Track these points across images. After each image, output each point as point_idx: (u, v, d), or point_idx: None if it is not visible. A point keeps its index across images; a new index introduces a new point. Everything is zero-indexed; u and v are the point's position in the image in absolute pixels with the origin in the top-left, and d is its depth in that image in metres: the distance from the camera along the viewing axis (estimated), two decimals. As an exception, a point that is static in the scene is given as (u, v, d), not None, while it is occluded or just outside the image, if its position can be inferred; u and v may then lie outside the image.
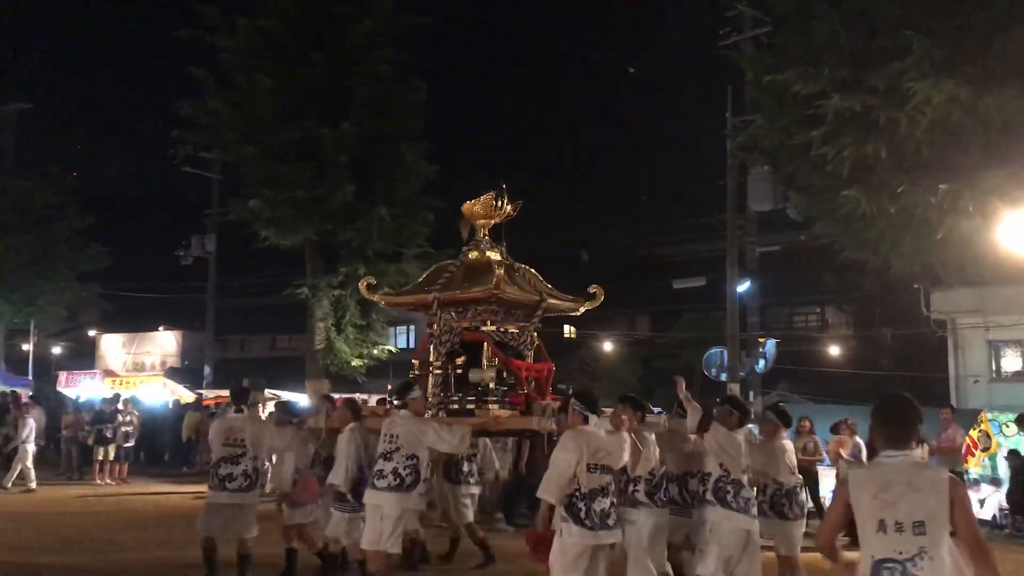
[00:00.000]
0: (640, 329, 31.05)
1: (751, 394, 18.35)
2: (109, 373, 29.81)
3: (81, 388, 26.34)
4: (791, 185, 16.40)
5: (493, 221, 8.67)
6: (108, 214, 32.16)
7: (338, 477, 7.34)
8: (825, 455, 12.68)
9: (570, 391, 8.22)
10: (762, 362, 18.93)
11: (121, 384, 26.15)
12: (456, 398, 8.01)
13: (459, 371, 8.18)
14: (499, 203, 8.59)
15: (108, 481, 16.59)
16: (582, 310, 9.04)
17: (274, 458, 8.81)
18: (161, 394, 24.50)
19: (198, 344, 34.31)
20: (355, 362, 19.78)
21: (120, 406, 17.44)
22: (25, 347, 33.59)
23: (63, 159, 32.24)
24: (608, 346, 28.26)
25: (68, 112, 55.66)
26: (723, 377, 19.02)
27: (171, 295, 34.51)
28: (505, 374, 8.18)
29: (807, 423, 12.98)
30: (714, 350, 19.56)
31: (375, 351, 20.30)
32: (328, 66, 18.06)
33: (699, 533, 6.75)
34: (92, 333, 40.58)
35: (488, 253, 8.48)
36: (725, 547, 6.46)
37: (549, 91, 58.70)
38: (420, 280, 8.85)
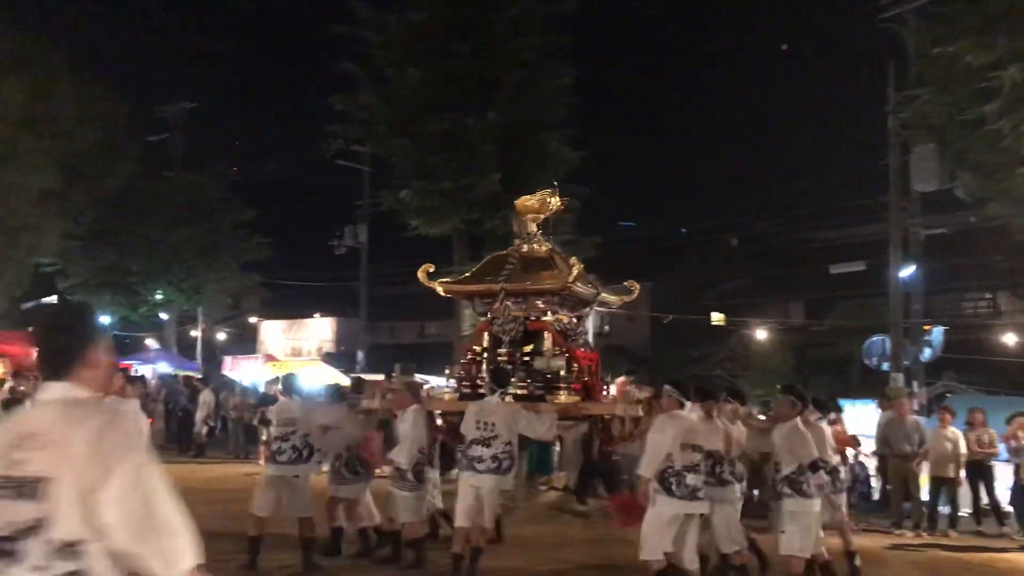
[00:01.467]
0: (794, 316, 29.97)
1: (915, 384, 17.37)
2: (270, 358, 31.28)
3: (244, 372, 27.73)
4: (960, 163, 15.34)
5: (543, 216, 9.14)
6: (268, 207, 33.80)
7: (401, 457, 7.72)
8: (1001, 448, 11.85)
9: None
10: (928, 351, 17.86)
11: (281, 368, 27.37)
12: (523, 385, 8.27)
13: (525, 359, 8.50)
14: (551, 200, 9.10)
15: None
16: (619, 302, 9.93)
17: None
18: (318, 378, 25.52)
19: (351, 330, 35.58)
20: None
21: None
22: (194, 333, 35.77)
23: (226, 155, 34.09)
24: (760, 334, 27.39)
25: (230, 110, 58.78)
26: (884, 366, 18.11)
27: (326, 283, 35.97)
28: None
29: (980, 415, 12.20)
30: (876, 338, 18.61)
31: (521, 338, 20.42)
32: (475, 56, 18.23)
33: (779, 518, 7.07)
34: (253, 320, 42.74)
35: (542, 246, 8.95)
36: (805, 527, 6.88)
37: (697, 71, 57.43)
38: (476, 270, 9.25)
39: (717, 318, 27.39)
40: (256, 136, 65.49)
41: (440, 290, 9.37)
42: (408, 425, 7.82)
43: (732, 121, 55.11)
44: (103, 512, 2.28)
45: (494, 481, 7.30)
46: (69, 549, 2.28)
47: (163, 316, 32.68)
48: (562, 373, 8.42)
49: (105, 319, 33.04)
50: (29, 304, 38.30)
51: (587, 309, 9.27)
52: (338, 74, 19.32)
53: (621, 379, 17.46)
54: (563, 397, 8.31)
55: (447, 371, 10.18)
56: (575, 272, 8.31)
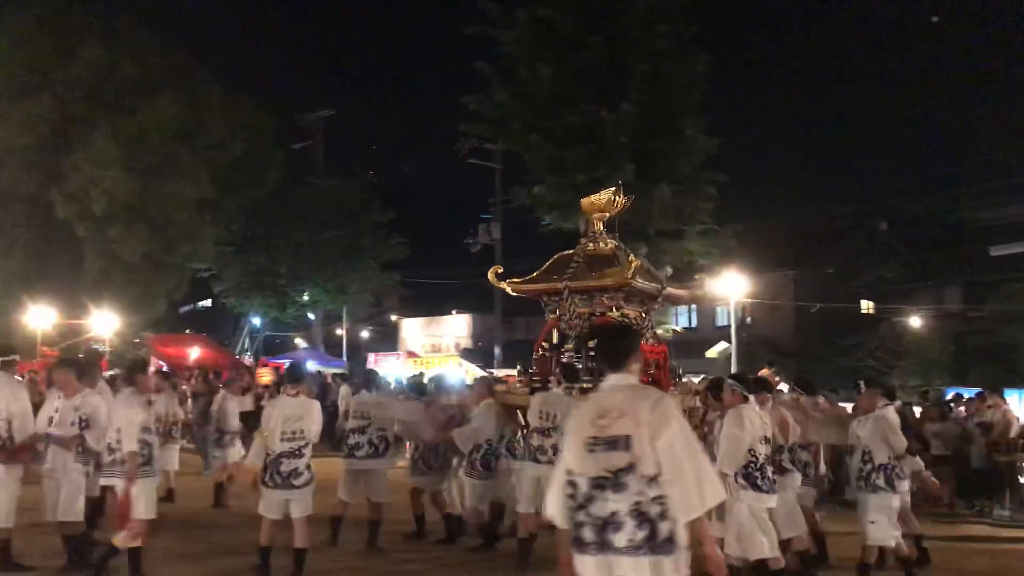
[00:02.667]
0: (950, 302, 28.30)
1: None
2: (410, 354, 31.99)
3: (387, 368, 28.47)
4: None
5: (608, 214, 9.33)
6: (405, 208, 34.60)
7: (466, 445, 8.08)
8: None
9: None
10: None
11: (421, 364, 27.96)
12: (588, 378, 8.39)
13: (591, 353, 8.46)
14: (616, 199, 9.27)
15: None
16: (689, 296, 10.29)
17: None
18: (457, 374, 25.91)
19: (487, 326, 36.03)
20: (639, 342, 19.72)
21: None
22: (339, 332, 37.08)
23: (364, 159, 35.16)
24: (914, 322, 25.98)
25: (367, 116, 60.58)
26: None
27: (462, 280, 36.55)
28: None
29: None
30: (1044, 323, 17.35)
31: (659, 330, 20.10)
32: (606, 47, 18.05)
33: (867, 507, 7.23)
34: (394, 317, 43.92)
35: (607, 243, 9.21)
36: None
37: (842, 48, 55.12)
38: (544, 269, 9.41)
39: (866, 306, 26.23)
40: (392, 139, 67.32)
41: (509, 290, 9.61)
42: (480, 417, 8.16)
43: (878, 100, 52.58)
44: (659, 456, 3.61)
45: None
46: (653, 480, 3.62)
47: (310, 316, 34.02)
48: None
49: (256, 320, 34.77)
50: (186, 308, 40.69)
51: (653, 303, 9.50)
52: (470, 74, 19.56)
53: (764, 371, 17.00)
54: None
55: (519, 366, 10.54)
56: (633, 267, 8.54)
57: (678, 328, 22.35)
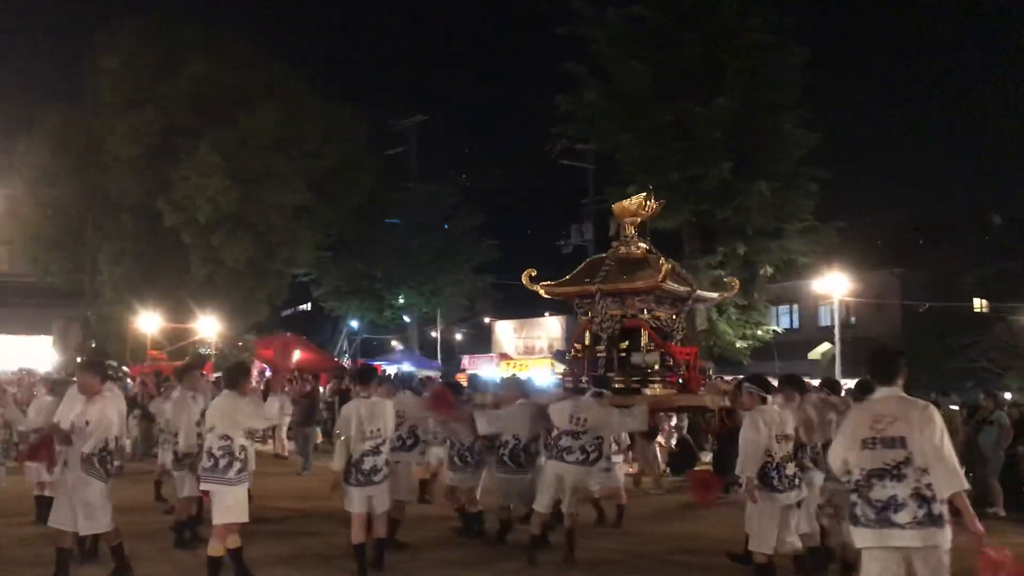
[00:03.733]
0: (1074, 297, 26.69)
1: None
2: (504, 356, 32.09)
3: (481, 370, 28.58)
4: None
5: (640, 218, 9.53)
6: (496, 210, 34.73)
7: (486, 428, 8.20)
8: None
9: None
10: None
11: (514, 366, 27.98)
12: (621, 379, 8.81)
13: (622, 354, 9.04)
14: (647, 204, 9.48)
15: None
16: (718, 298, 10.46)
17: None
18: (550, 376, 25.81)
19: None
20: (738, 343, 19.28)
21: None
22: (433, 334, 37.44)
23: (456, 163, 35.48)
24: (1034, 320, 24.59)
25: (459, 119, 61.17)
26: None
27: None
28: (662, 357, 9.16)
29: None
30: None
31: (759, 332, 19.62)
32: (700, 43, 17.70)
33: None
34: (487, 320, 44.10)
35: (638, 247, 9.34)
36: None
37: (953, 37, 52.88)
38: (576, 272, 9.63)
39: (979, 304, 24.98)
40: (484, 142, 67.72)
41: (542, 292, 9.79)
42: (509, 416, 8.30)
43: (989, 89, 50.20)
44: (926, 450, 4.59)
45: (581, 472, 7.83)
46: (924, 471, 4.58)
47: (406, 319, 34.46)
48: (656, 367, 8.94)
49: (354, 323, 35.43)
50: (287, 311, 41.77)
51: (684, 306, 9.71)
52: (562, 75, 19.45)
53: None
54: (658, 390, 8.88)
55: (552, 365, 10.98)
56: (664, 271, 8.74)
57: (779, 329, 21.71)
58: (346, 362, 30.47)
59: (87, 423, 6.37)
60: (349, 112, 27.48)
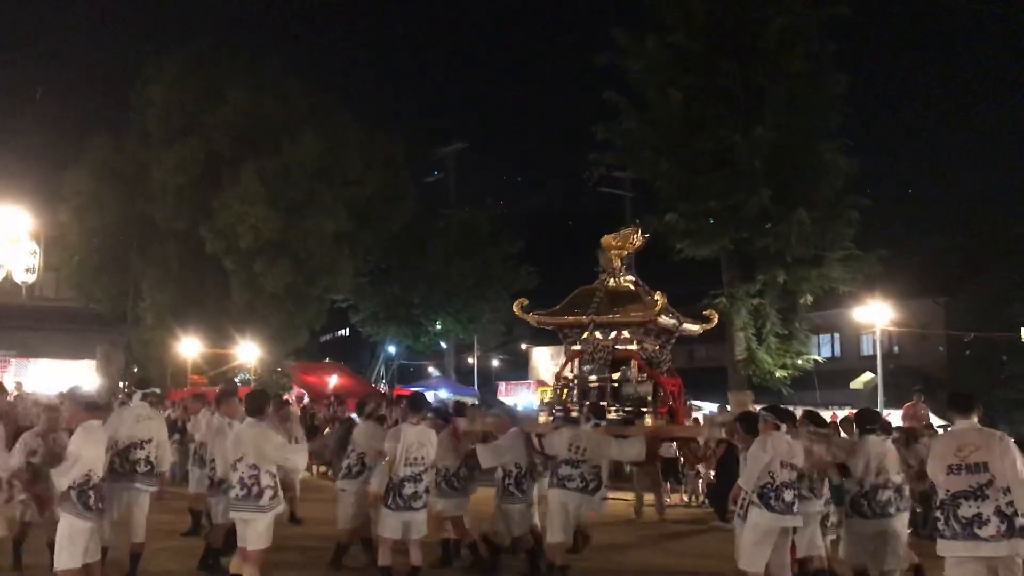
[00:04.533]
0: None
1: None
2: (541, 383, 31.94)
3: (518, 397, 28.51)
4: None
5: (627, 251, 10.00)
6: (534, 237, 34.74)
7: (489, 461, 8.29)
8: None
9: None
10: None
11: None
12: (614, 408, 8.99)
13: (615, 384, 9.26)
14: (634, 238, 10.03)
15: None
16: (699, 330, 10.38)
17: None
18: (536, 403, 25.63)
19: (619, 356, 35.54)
20: (779, 372, 19.04)
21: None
22: (470, 360, 37.46)
23: (494, 190, 35.63)
24: None
25: (497, 147, 61.53)
26: None
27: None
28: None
29: None
30: None
31: (799, 361, 19.35)
32: (739, 71, 17.65)
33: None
34: (524, 346, 44.01)
35: (625, 279, 9.71)
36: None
37: (998, 62, 52.24)
38: (566, 303, 9.91)
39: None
40: (522, 170, 68.01)
41: (533, 322, 10.03)
42: (505, 439, 8.46)
43: (1031, 113, 49.40)
44: (1007, 473, 5.42)
45: (581, 499, 8.05)
46: (1006, 491, 5.45)
47: (443, 345, 34.53)
48: (649, 398, 9.16)
49: (391, 348, 35.58)
50: (326, 337, 42.05)
51: (671, 338, 9.91)
52: (600, 103, 19.50)
53: (909, 403, 16.00)
54: (649, 421, 9.06)
55: (540, 395, 11.21)
56: (660, 305, 9.06)
57: (820, 358, 21.41)
58: (383, 388, 30.58)
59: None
60: (389, 140, 27.76)
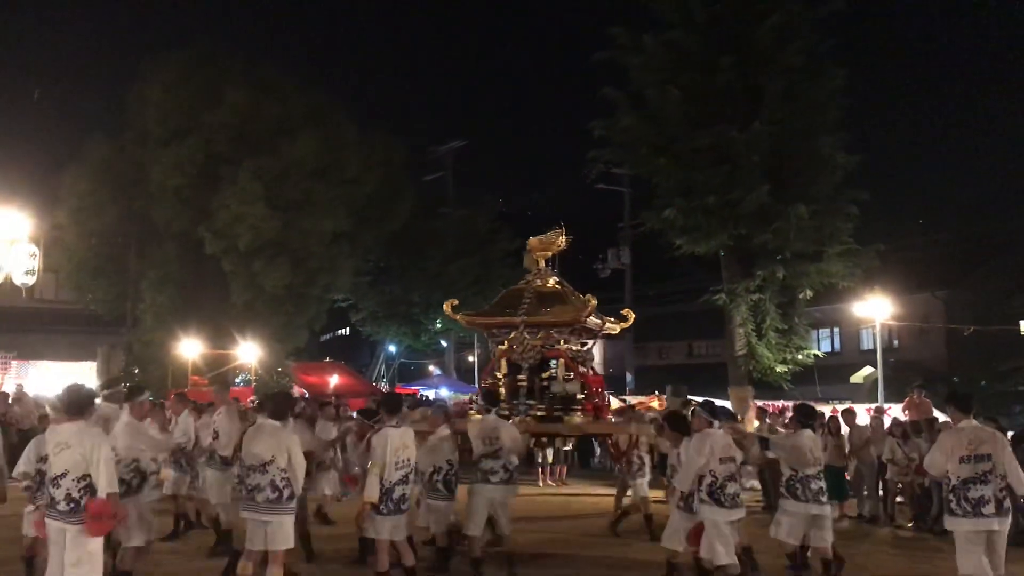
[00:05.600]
0: None
1: None
2: (541, 381, 31.94)
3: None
4: None
5: (550, 252, 10.30)
6: (534, 234, 34.67)
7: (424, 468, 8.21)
8: None
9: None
10: None
11: (553, 392, 27.80)
12: (542, 407, 9.30)
13: (543, 383, 9.53)
14: (560, 239, 10.34)
15: (550, 483, 17.62)
16: (618, 329, 10.91)
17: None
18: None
19: (619, 352, 35.62)
20: (779, 368, 19.04)
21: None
22: (470, 358, 37.46)
23: (493, 188, 35.60)
24: None
25: (495, 144, 61.48)
26: None
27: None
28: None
29: None
30: None
31: (799, 356, 19.36)
32: (737, 67, 17.63)
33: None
34: (524, 344, 43.99)
35: (551, 280, 10.04)
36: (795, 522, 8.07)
37: (995, 51, 52.21)
38: (494, 303, 10.31)
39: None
40: (520, 167, 68.02)
41: (463, 322, 10.33)
42: (432, 446, 8.35)
43: (1029, 106, 49.36)
44: (1005, 463, 6.96)
45: (506, 491, 8.26)
46: (1003, 477, 6.85)
47: (443, 343, 34.53)
48: (577, 396, 9.46)
49: (391, 347, 35.59)
50: (326, 336, 42.03)
51: (594, 337, 10.34)
52: (597, 100, 19.48)
53: (911, 396, 16.03)
54: (578, 418, 9.40)
55: (471, 395, 11.35)
56: (591, 307, 9.42)
57: (820, 353, 21.42)
58: (383, 387, 30.60)
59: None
60: (388, 139, 27.76)
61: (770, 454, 8.45)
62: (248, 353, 24.56)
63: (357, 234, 26.82)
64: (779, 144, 17.76)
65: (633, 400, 25.14)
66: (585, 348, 10.28)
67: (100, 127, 27.92)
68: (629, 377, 31.60)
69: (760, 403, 18.02)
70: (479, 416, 9.30)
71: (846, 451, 13.17)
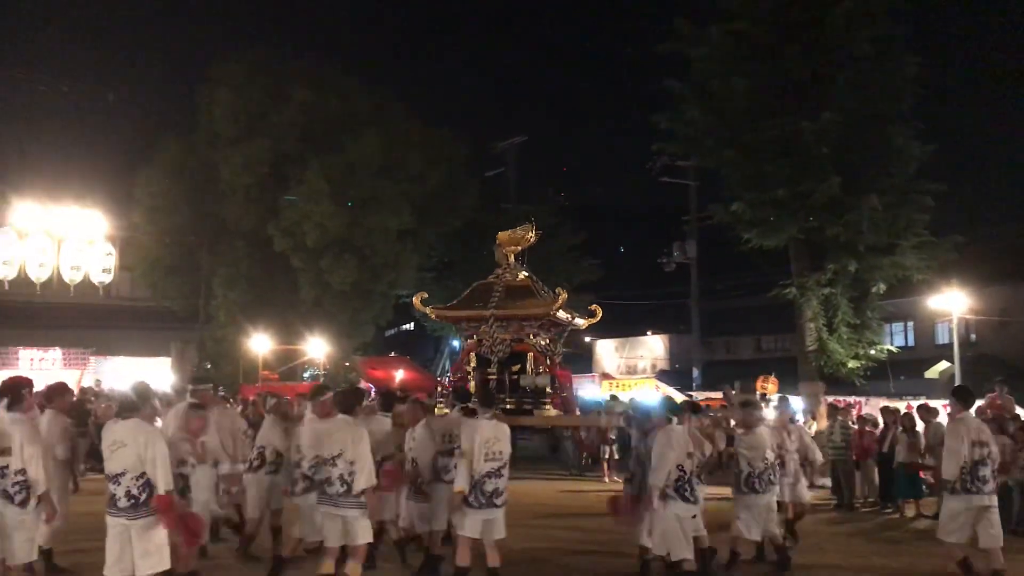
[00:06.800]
0: None
1: None
2: (605, 376, 31.80)
3: (582, 391, 28.40)
4: None
5: (520, 247, 10.31)
6: (596, 229, 34.57)
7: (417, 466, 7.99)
8: None
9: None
10: None
11: (616, 386, 27.68)
12: (512, 400, 9.48)
13: (514, 376, 9.69)
14: (529, 234, 10.34)
15: (615, 478, 17.44)
16: (585, 325, 10.88)
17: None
18: (654, 397, 25.43)
19: (685, 347, 35.28)
20: (850, 363, 18.63)
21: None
22: (536, 353, 37.41)
23: (555, 182, 35.50)
24: None
25: (557, 139, 61.34)
26: None
27: (656, 301, 36.01)
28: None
29: None
30: None
31: (872, 351, 18.91)
32: (805, 56, 17.29)
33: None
34: (588, 339, 43.86)
35: (520, 274, 10.06)
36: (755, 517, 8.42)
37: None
38: (464, 297, 10.23)
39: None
40: (583, 161, 67.77)
41: (432, 315, 10.39)
42: (419, 439, 8.06)
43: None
44: (995, 450, 7.94)
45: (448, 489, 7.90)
46: (995, 461, 7.89)
47: (506, 338, 34.56)
48: (547, 389, 9.64)
49: (455, 342, 35.74)
50: (391, 331, 42.44)
51: (563, 331, 10.34)
52: (661, 93, 19.29)
53: (991, 394, 15.49)
54: (549, 410, 9.62)
55: (437, 387, 11.19)
56: (560, 300, 9.62)
57: (893, 348, 20.89)
58: (447, 381, 30.77)
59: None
60: (450, 136, 27.88)
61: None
62: (316, 348, 24.93)
63: (420, 230, 27.01)
64: (850, 134, 17.38)
65: (700, 397, 24.95)
66: (554, 342, 10.40)
67: (172, 129, 28.53)
68: (696, 372, 31.24)
69: (831, 399, 17.62)
70: (446, 412, 9.21)
71: (921, 449, 12.82)
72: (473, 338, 9.96)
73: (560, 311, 9.62)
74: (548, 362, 10.01)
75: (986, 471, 7.78)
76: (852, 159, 17.54)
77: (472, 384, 9.57)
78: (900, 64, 17.51)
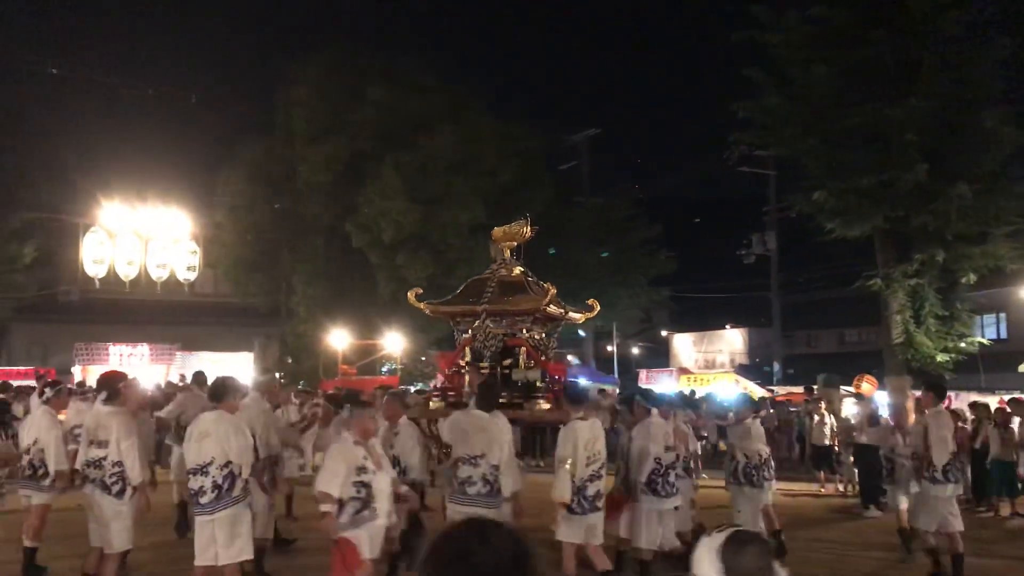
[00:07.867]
0: None
1: None
2: (683, 371, 31.44)
3: (659, 385, 28.13)
4: None
5: (516, 243, 10.43)
6: (672, 221, 34.15)
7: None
8: None
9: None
10: None
11: (695, 381, 27.34)
12: (504, 394, 9.10)
13: (505, 371, 9.58)
14: (524, 230, 10.47)
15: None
16: (582, 319, 11.18)
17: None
18: (733, 392, 25.05)
19: (765, 340, 34.63)
20: (940, 357, 17.97)
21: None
22: (609, 348, 37.24)
23: (629, 175, 35.19)
24: None
25: (631, 131, 60.79)
26: None
27: (735, 294, 35.41)
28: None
29: None
30: None
31: (962, 344, 18.21)
32: (890, 41, 16.67)
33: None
34: (664, 333, 43.40)
35: (515, 270, 10.15)
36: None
37: None
38: (459, 293, 10.29)
39: None
40: (658, 153, 67.03)
41: (427, 310, 10.39)
42: (403, 436, 7.91)
43: None
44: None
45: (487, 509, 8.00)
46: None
47: (581, 333, 34.46)
48: (539, 384, 9.52)
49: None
50: (467, 326, 42.63)
51: (556, 326, 10.51)
52: (737, 81, 18.88)
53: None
54: (541, 405, 9.37)
55: (432, 383, 11.60)
56: (550, 295, 9.51)
57: (985, 341, 20.09)
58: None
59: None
60: (524, 130, 27.85)
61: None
62: (393, 343, 25.22)
63: (494, 225, 26.98)
64: (937, 120, 16.70)
65: (781, 391, 24.47)
66: (548, 337, 10.42)
67: (252, 128, 29.23)
68: (776, 367, 30.64)
69: (919, 393, 17.05)
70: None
71: (1015, 444, 12.34)
72: (468, 333, 10.14)
73: (551, 305, 9.70)
74: (542, 357, 10.16)
75: None
76: (939, 145, 16.87)
77: (467, 379, 9.77)
78: (991, 46, 16.77)
